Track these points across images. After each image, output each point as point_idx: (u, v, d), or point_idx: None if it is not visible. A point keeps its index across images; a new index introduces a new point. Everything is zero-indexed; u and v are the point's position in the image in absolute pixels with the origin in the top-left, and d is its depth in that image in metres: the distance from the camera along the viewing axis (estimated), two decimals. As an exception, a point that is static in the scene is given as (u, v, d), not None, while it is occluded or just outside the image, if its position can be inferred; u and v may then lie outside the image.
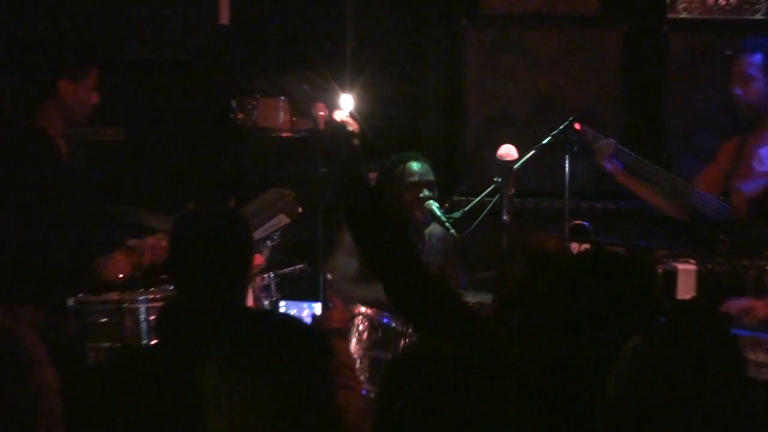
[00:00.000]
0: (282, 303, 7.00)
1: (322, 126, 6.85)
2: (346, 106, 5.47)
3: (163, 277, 6.82)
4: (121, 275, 6.80)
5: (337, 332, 6.02)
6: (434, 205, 7.47)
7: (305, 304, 6.93)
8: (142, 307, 6.52)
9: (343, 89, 5.91)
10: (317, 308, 6.59)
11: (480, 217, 7.41)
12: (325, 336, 6.01)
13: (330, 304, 6.35)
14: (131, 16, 8.48)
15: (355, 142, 4.91)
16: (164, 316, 4.94)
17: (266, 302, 6.67)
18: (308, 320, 6.48)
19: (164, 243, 6.82)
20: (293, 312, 6.90)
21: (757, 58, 7.43)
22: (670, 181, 7.50)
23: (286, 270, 7.05)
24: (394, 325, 6.97)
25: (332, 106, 6.98)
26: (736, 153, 7.53)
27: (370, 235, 4.71)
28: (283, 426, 3.25)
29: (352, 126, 5.03)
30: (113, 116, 8.13)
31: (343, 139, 4.93)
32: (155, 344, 5.16)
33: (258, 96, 7.25)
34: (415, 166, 7.69)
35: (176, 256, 5.00)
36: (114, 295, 6.61)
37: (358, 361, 6.89)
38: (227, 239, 4.93)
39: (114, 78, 7.54)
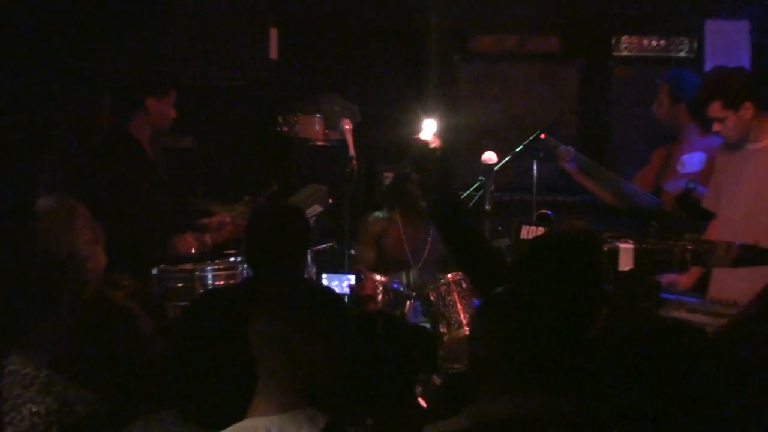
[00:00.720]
0: (324, 275, 7.01)
1: (349, 137, 7.18)
2: (429, 128, 5.71)
3: (227, 251, 6.93)
4: (193, 250, 7.02)
5: (369, 298, 6.34)
6: None
7: (344, 276, 6.89)
8: (209, 275, 6.61)
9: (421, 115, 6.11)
10: (352, 279, 6.63)
11: (468, 206, 7.44)
12: (360, 300, 6.27)
13: (362, 276, 6.52)
14: (203, 51, 8.41)
15: (438, 155, 5.03)
16: (243, 287, 5.08)
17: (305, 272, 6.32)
18: (347, 289, 6.60)
19: (227, 219, 7.11)
20: (335, 283, 6.88)
21: (672, 87, 7.50)
22: (614, 180, 7.55)
23: (320, 247, 7.16)
24: (401, 290, 6.97)
25: (354, 119, 7.24)
26: (665, 158, 7.56)
27: (451, 219, 4.81)
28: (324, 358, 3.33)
29: (435, 143, 5.28)
30: (188, 128, 8.15)
31: (428, 153, 5.06)
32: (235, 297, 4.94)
33: (298, 113, 7.31)
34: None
35: (252, 240, 5.02)
36: (188, 266, 6.71)
37: None
38: (292, 227, 5.00)
39: (188, 98, 7.56)
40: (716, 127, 6.44)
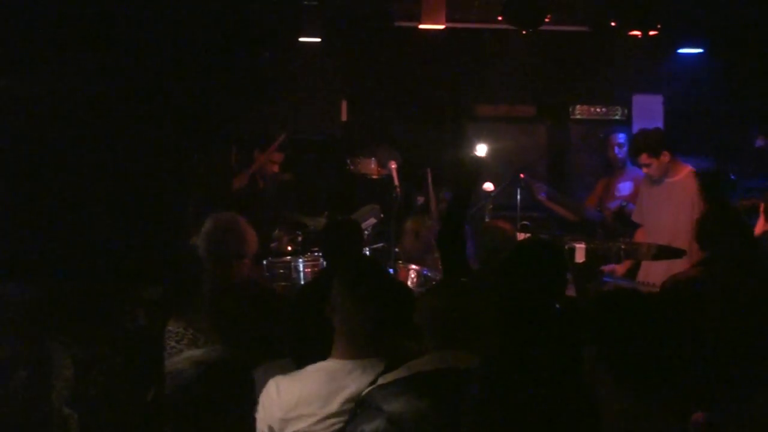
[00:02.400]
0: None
1: (394, 173, 7.22)
2: (481, 149, 5.60)
3: (313, 249, 6.85)
4: (289, 248, 7.01)
5: (404, 282, 6.26)
6: None
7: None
8: (301, 265, 6.60)
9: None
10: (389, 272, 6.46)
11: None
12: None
13: (398, 269, 6.54)
14: (296, 115, 8.49)
15: (481, 169, 4.97)
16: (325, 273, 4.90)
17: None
18: None
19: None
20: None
21: (620, 137, 7.47)
22: (573, 203, 7.51)
23: (375, 246, 7.13)
24: (429, 275, 6.67)
25: (397, 161, 7.25)
26: (606, 186, 7.51)
27: (449, 244, 4.48)
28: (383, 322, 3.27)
29: (480, 161, 5.24)
30: (287, 167, 8.06)
31: (474, 166, 4.91)
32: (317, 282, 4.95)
33: (360, 156, 7.32)
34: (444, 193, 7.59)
35: (328, 242, 4.95)
36: (287, 258, 6.75)
37: None
38: (354, 233, 4.92)
39: (287, 147, 7.65)
40: (645, 170, 6.43)
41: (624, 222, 6.90)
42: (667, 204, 6.36)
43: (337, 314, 3.25)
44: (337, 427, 3.10)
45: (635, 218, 6.63)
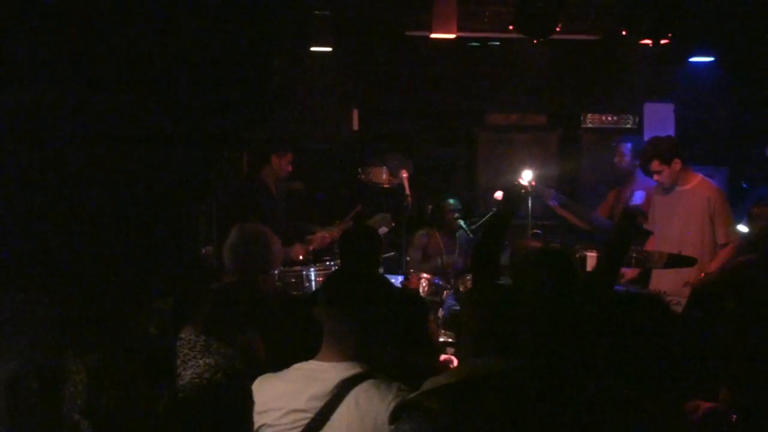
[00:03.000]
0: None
1: (405, 182, 7.23)
2: (527, 176, 5.64)
3: (324, 258, 6.94)
4: (300, 257, 6.96)
5: (414, 290, 6.29)
6: (462, 222, 7.50)
7: (396, 277, 6.69)
8: (312, 274, 6.57)
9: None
10: (400, 279, 6.55)
11: (484, 225, 7.62)
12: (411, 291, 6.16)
13: (410, 277, 6.53)
14: (308, 124, 8.52)
15: (527, 196, 4.99)
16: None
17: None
18: (399, 284, 6.43)
19: (327, 236, 7.14)
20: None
21: (627, 147, 7.40)
22: (583, 211, 7.45)
23: (386, 255, 6.85)
24: (441, 283, 6.89)
25: (408, 170, 7.26)
26: (617, 196, 7.48)
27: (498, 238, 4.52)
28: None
29: (525, 188, 5.27)
30: (299, 176, 8.12)
31: (521, 193, 5.00)
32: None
33: (371, 166, 7.32)
34: (452, 202, 7.70)
35: (345, 249, 4.97)
36: (298, 267, 6.71)
37: None
38: (370, 240, 4.91)
39: (299, 156, 7.60)
40: (656, 177, 6.44)
41: (636, 230, 6.89)
42: (677, 212, 6.37)
43: (322, 317, 3.31)
44: (301, 423, 3.17)
45: (648, 227, 6.57)
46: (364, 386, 3.19)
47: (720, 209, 6.32)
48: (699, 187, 6.39)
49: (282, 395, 3.24)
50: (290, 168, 7.31)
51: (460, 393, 2.85)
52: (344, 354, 3.26)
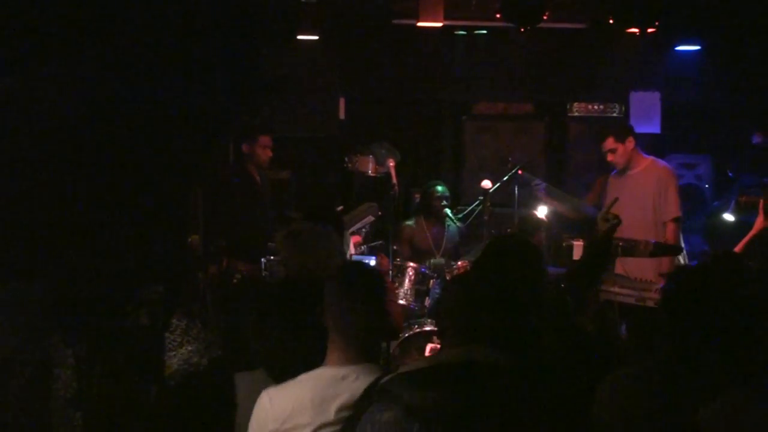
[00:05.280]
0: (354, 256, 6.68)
1: (392, 171, 7.18)
2: (542, 211, 5.56)
3: None
4: None
5: (384, 272, 6.21)
6: (449, 210, 7.47)
7: (368, 257, 6.57)
8: None
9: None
10: (373, 261, 6.35)
11: (471, 217, 7.58)
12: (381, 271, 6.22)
13: (379, 259, 6.39)
14: (294, 113, 8.52)
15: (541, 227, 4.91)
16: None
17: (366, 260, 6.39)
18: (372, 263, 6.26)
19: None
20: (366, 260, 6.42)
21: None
22: (569, 200, 7.30)
23: (372, 244, 7.09)
24: (427, 272, 6.91)
25: (395, 158, 7.24)
26: (603, 184, 7.14)
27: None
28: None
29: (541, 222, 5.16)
30: (284, 165, 8.16)
31: (534, 224, 4.87)
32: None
33: (358, 154, 7.30)
34: (439, 188, 7.58)
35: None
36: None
37: (408, 291, 6.85)
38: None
39: (284, 145, 7.61)
40: (610, 158, 6.55)
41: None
42: (630, 196, 6.31)
43: (331, 320, 3.17)
44: None
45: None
46: None
47: (670, 184, 6.43)
48: (650, 168, 6.49)
49: (305, 408, 3.05)
50: (270, 153, 7.27)
51: (428, 378, 2.81)
52: (358, 356, 3.14)
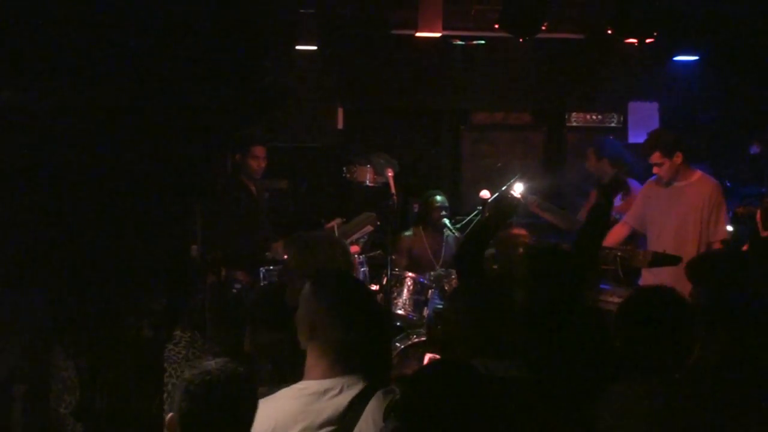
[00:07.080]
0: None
1: (391, 181, 7.17)
2: (518, 188, 5.64)
3: None
4: (285, 256, 7.10)
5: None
6: (447, 220, 7.46)
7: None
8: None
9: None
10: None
11: (470, 227, 7.45)
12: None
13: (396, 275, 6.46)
14: (293, 123, 8.55)
15: (516, 207, 4.89)
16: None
17: (361, 270, 6.42)
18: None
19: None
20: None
21: (589, 150, 7.57)
22: (565, 215, 7.33)
23: (371, 254, 7.04)
24: (426, 282, 6.90)
25: (394, 168, 7.25)
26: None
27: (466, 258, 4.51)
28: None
29: (518, 200, 5.19)
30: (283, 174, 8.20)
31: (510, 203, 4.88)
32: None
33: (357, 164, 7.30)
34: (438, 198, 7.56)
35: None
36: (281, 266, 6.30)
37: (407, 301, 6.84)
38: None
39: (283, 155, 7.64)
40: (655, 170, 6.35)
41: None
42: (676, 208, 6.27)
43: (314, 333, 3.07)
44: None
45: (629, 221, 6.56)
46: (373, 403, 2.96)
47: (722, 204, 6.28)
48: (700, 182, 6.33)
49: (288, 424, 2.95)
50: (263, 164, 7.25)
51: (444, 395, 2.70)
52: (340, 368, 3.03)
